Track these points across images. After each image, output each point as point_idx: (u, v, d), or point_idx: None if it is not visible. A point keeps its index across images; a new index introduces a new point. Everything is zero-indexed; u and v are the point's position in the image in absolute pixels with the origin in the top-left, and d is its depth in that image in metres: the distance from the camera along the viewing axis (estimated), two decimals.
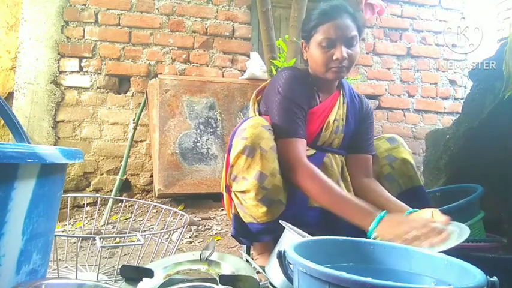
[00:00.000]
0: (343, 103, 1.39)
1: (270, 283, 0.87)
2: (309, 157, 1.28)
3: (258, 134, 1.18)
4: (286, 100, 1.26)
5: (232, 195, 1.27)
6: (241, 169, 1.19)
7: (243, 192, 1.21)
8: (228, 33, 3.08)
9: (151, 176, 2.83)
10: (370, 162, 1.39)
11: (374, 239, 0.99)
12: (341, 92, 1.41)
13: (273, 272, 0.87)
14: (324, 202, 1.16)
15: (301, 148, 1.22)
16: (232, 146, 1.23)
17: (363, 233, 1.20)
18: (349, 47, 1.27)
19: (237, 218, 1.28)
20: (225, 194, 1.35)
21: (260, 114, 1.37)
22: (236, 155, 1.19)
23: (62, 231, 1.97)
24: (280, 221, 1.05)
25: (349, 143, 1.41)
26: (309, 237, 0.89)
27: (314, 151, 1.32)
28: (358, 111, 1.43)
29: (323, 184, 1.16)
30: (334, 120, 1.35)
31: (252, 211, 1.21)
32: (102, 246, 1.02)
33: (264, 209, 1.20)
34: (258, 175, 1.17)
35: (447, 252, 0.77)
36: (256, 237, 1.25)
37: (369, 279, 0.53)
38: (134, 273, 0.84)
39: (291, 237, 0.94)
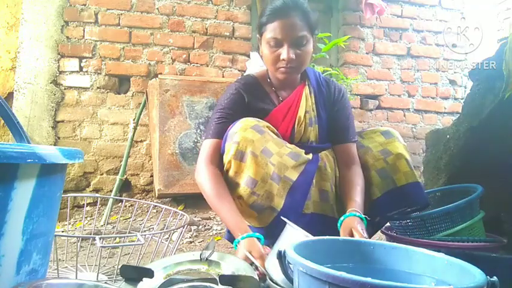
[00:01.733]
0: (310, 93, 1.36)
1: (270, 278, 0.87)
2: (307, 164, 1.26)
3: (248, 138, 1.16)
4: (224, 111, 1.29)
5: None
6: (235, 174, 1.19)
7: (237, 197, 1.20)
8: (228, 33, 3.08)
9: (151, 176, 2.83)
10: (351, 151, 1.34)
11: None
12: (306, 83, 1.37)
13: (273, 267, 0.87)
14: (210, 204, 1.21)
15: (212, 148, 1.26)
16: (225, 149, 1.21)
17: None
18: (298, 47, 1.24)
19: None
20: None
21: None
22: (228, 160, 1.18)
23: (62, 231, 1.97)
24: (282, 217, 1.05)
25: (327, 133, 1.37)
26: (309, 235, 0.89)
27: (311, 155, 1.29)
28: (326, 97, 1.38)
29: (213, 189, 1.19)
30: (305, 113, 1.32)
31: (246, 216, 1.21)
32: (102, 246, 1.02)
33: (254, 215, 1.20)
34: (250, 181, 1.16)
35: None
36: None
37: (369, 279, 0.53)
38: (134, 273, 0.84)
39: (292, 233, 0.94)
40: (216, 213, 1.21)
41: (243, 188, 1.17)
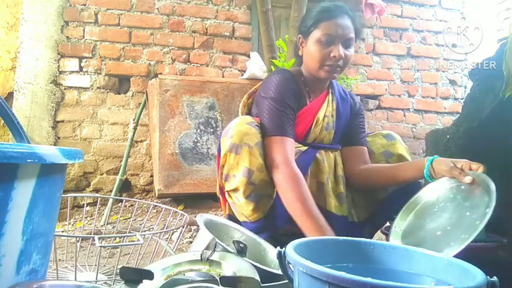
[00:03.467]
0: (332, 100, 1.41)
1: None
2: (301, 153, 1.29)
3: (243, 131, 1.20)
4: (275, 101, 1.26)
5: (226, 195, 1.28)
6: (231, 167, 1.21)
7: (234, 190, 1.22)
8: (228, 33, 3.08)
9: (151, 176, 2.83)
10: (365, 152, 1.39)
11: None
12: (330, 91, 1.42)
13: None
14: (293, 208, 1.15)
15: (289, 147, 1.22)
16: (220, 146, 1.24)
17: (353, 231, 1.22)
18: (346, 47, 1.28)
19: (231, 218, 1.29)
20: (220, 197, 1.37)
21: None
22: (224, 154, 1.21)
23: (62, 231, 1.97)
24: (197, 217, 1.08)
25: (343, 137, 1.42)
26: (216, 239, 0.94)
27: (306, 148, 1.33)
28: (350, 107, 1.45)
29: (302, 191, 1.14)
30: (324, 116, 1.36)
31: (243, 209, 1.23)
32: (101, 246, 1.02)
33: (252, 206, 1.21)
34: (246, 171, 1.18)
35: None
36: None
37: (369, 279, 0.53)
38: (134, 275, 0.83)
39: (203, 234, 0.99)
40: (297, 217, 1.13)
41: (240, 179, 1.19)
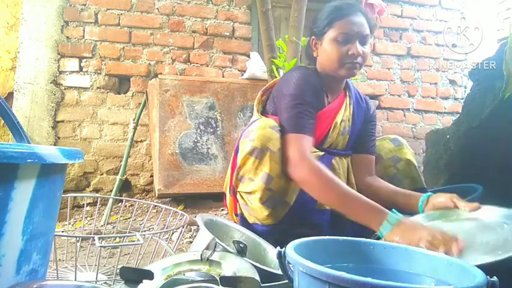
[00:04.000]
0: (350, 104, 1.39)
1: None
2: (319, 158, 1.27)
3: (266, 135, 1.17)
4: (296, 99, 1.22)
5: (238, 195, 1.27)
6: (249, 170, 1.19)
7: (249, 193, 1.20)
8: (228, 33, 3.08)
9: (151, 176, 2.83)
10: (373, 162, 1.40)
11: (385, 239, 0.96)
12: (347, 93, 1.40)
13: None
14: (328, 199, 1.11)
15: (307, 144, 1.18)
16: (239, 147, 1.22)
17: (370, 236, 1.20)
18: (363, 44, 1.27)
19: (242, 218, 1.28)
20: (228, 195, 1.35)
21: (264, 115, 1.36)
22: (244, 156, 1.18)
23: (62, 231, 1.97)
24: (197, 217, 1.07)
25: (354, 143, 1.41)
26: (216, 239, 0.94)
27: (322, 153, 1.31)
28: (364, 112, 1.44)
29: (329, 180, 1.10)
30: (342, 121, 1.35)
31: (257, 213, 1.21)
32: (101, 246, 1.02)
33: (267, 212, 1.19)
34: (266, 177, 1.16)
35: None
36: (261, 237, 1.25)
37: (369, 279, 0.53)
38: (134, 275, 0.83)
39: (204, 235, 0.99)
40: (337, 205, 1.09)
41: (258, 185, 1.17)
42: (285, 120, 1.22)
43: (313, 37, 1.35)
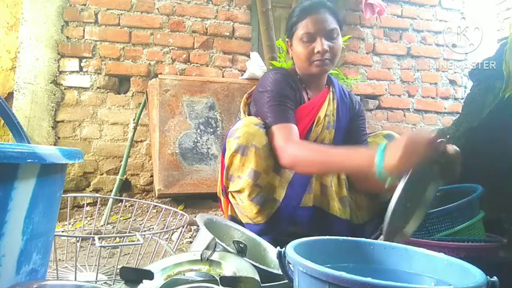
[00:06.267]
0: (333, 99, 1.41)
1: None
2: None
3: (251, 132, 1.19)
4: (274, 93, 1.26)
5: (230, 196, 1.28)
6: (236, 168, 1.20)
7: (239, 191, 1.21)
8: (228, 33, 3.08)
9: (151, 176, 2.83)
10: None
11: (386, 172, 0.90)
12: (331, 89, 1.42)
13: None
14: (319, 163, 1.11)
15: (292, 131, 1.21)
16: (225, 147, 1.23)
17: (355, 233, 1.20)
18: (330, 39, 1.28)
19: (233, 219, 1.29)
20: (222, 197, 1.36)
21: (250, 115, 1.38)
22: (231, 154, 1.20)
23: (62, 231, 1.97)
24: (197, 217, 1.07)
25: (344, 139, 1.42)
26: (211, 236, 0.94)
27: None
28: (349, 109, 1.45)
29: (313, 147, 1.16)
30: (325, 115, 1.36)
31: (247, 211, 1.22)
32: (101, 246, 1.02)
33: (256, 209, 1.20)
34: (252, 173, 1.17)
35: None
36: None
37: (369, 279, 0.53)
38: (134, 275, 0.83)
39: (204, 235, 0.99)
40: (330, 164, 1.08)
41: (246, 181, 1.18)
42: (267, 115, 1.25)
43: (287, 39, 1.40)
